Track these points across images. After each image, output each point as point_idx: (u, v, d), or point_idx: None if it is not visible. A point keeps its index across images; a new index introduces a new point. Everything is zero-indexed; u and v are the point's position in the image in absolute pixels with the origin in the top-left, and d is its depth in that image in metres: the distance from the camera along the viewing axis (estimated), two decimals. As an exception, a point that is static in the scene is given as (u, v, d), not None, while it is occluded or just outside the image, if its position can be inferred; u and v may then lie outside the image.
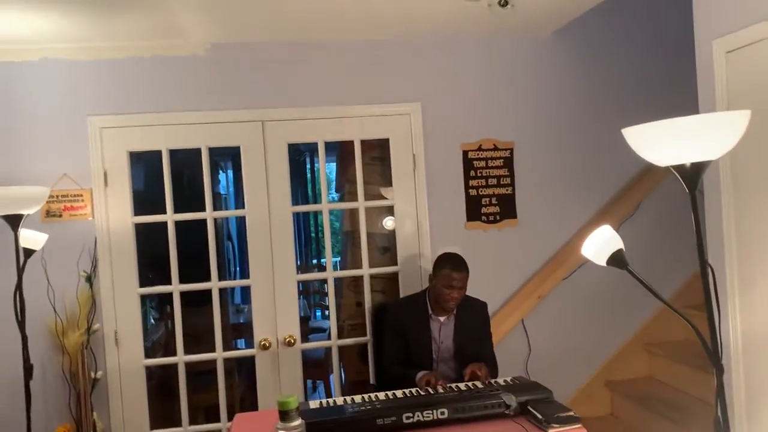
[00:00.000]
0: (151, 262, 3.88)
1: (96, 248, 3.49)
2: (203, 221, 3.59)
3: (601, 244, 1.93)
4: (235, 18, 3.26)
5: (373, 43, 3.75)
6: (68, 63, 3.49)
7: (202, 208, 3.61)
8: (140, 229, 3.62)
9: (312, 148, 5.68)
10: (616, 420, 3.96)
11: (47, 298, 3.40)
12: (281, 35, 3.59)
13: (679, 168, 1.69)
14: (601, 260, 1.92)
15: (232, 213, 3.68)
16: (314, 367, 4.63)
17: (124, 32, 3.35)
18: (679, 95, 3.41)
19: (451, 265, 3.13)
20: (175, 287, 3.59)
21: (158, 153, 3.58)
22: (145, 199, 3.77)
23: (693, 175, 1.69)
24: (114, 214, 3.52)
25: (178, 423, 3.63)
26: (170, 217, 3.57)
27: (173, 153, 3.62)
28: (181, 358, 3.61)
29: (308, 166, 6.99)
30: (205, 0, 2.99)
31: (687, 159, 1.67)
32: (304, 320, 6.15)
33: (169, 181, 3.57)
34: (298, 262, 8.32)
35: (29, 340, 3.27)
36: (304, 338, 4.78)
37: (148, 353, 4.13)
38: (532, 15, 3.50)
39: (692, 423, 3.36)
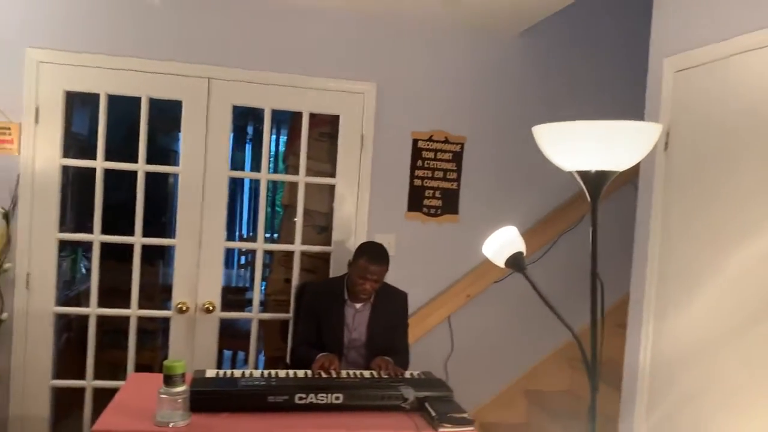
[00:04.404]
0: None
1: (18, 185, 3.35)
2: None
3: (502, 243, 1.86)
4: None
5: (335, 15, 3.63)
6: (14, -11, 3.33)
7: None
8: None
9: (276, 117, 5.59)
10: (530, 430, 3.93)
11: (-42, 229, 3.26)
12: (241, -7, 3.47)
13: (584, 174, 1.63)
14: (500, 261, 1.86)
15: (164, 168, 3.55)
16: (243, 339, 4.53)
17: (75, -35, 3.20)
18: (640, 107, 3.35)
19: (368, 256, 3.04)
20: (96, 237, 3.47)
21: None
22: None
23: (597, 183, 1.63)
24: (42, 152, 3.37)
25: (83, 376, 3.52)
26: (99, 164, 3.43)
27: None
28: (93, 310, 3.49)
29: (273, 135, 6.90)
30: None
31: (591, 166, 1.60)
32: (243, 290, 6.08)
33: (103, 127, 3.43)
34: (250, 233, 8.26)
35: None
36: (242, 308, 4.69)
37: (73, 302, 4.02)
38: (497, 12, 3.42)
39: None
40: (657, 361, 2.70)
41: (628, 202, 3.67)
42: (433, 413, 2.44)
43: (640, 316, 2.79)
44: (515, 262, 1.83)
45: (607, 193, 3.83)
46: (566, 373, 4.04)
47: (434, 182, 3.80)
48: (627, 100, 3.47)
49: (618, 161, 1.59)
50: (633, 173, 2.98)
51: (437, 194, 3.81)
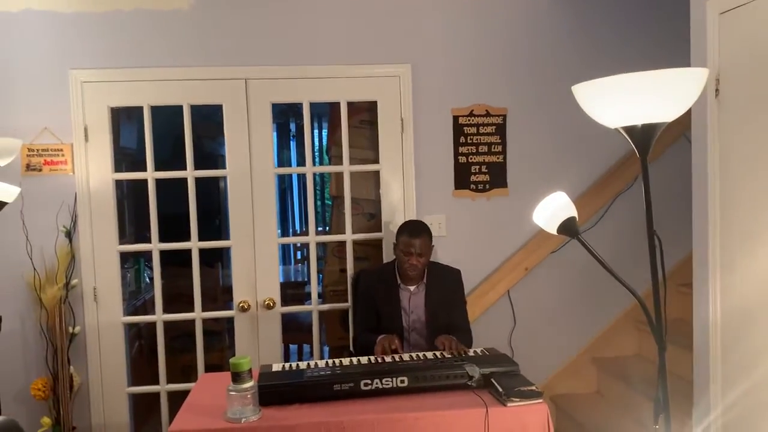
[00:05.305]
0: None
1: (76, 204, 3.47)
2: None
3: (553, 210, 1.82)
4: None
5: (363, 0, 3.62)
6: (51, 15, 3.43)
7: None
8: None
9: (314, 110, 5.61)
10: (602, 398, 3.86)
11: (26, 252, 3.39)
12: (267, -9, 3.48)
13: (630, 130, 1.57)
14: (552, 228, 1.82)
15: (212, 173, 3.62)
16: (306, 332, 4.60)
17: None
18: (687, 61, 3.21)
19: (408, 231, 3.09)
20: (155, 246, 3.56)
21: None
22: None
23: (645, 137, 1.57)
24: (94, 170, 3.48)
25: (156, 381, 3.63)
26: (150, 175, 3.52)
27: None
28: (159, 317, 3.60)
29: (315, 129, 6.94)
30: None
31: (638, 120, 1.54)
32: (302, 285, 6.13)
33: (150, 138, 3.52)
34: (303, 228, 8.36)
35: (7, 293, 3.32)
36: (301, 302, 4.76)
37: (140, 311, 4.15)
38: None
39: (675, 405, 3.25)
40: (727, 316, 2.60)
41: (675, 166, 3.56)
42: (501, 389, 2.42)
43: (705, 271, 2.69)
44: (568, 227, 1.79)
45: (660, 149, 3.77)
46: (633, 338, 3.94)
47: (479, 157, 3.75)
48: (679, 50, 3.33)
49: (664, 111, 1.52)
50: (685, 125, 2.87)
51: (483, 169, 3.76)
